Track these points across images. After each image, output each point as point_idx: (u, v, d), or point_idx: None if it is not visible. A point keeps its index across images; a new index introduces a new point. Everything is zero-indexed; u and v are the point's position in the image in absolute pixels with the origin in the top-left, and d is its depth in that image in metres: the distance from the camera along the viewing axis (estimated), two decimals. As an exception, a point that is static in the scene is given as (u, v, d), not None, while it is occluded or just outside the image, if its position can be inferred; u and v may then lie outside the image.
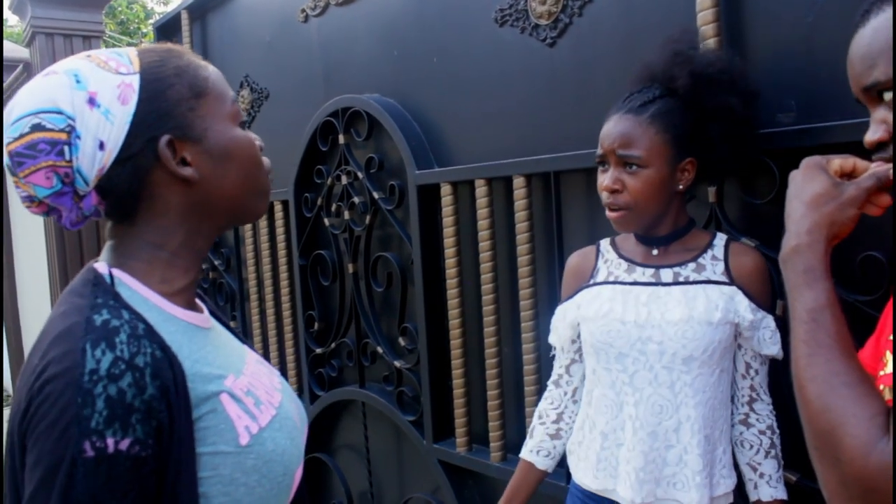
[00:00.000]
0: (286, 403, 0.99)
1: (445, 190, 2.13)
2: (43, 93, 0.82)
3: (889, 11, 0.84)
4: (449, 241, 2.15)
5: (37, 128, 0.81)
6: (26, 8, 4.02)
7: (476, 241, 2.07)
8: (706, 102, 1.35)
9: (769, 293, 1.39)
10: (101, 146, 0.83)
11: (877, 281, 1.30)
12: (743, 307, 1.35)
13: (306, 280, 2.79)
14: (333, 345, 2.70)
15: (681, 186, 1.38)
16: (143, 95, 0.86)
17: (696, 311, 1.34)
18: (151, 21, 13.28)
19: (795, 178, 0.93)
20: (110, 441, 0.74)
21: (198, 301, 1.00)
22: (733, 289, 1.36)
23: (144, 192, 0.88)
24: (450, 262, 2.15)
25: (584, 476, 1.48)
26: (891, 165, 0.86)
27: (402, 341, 2.38)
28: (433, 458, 2.28)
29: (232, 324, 3.21)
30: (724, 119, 1.35)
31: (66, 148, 0.81)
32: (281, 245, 2.88)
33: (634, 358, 1.39)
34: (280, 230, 2.87)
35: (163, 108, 0.87)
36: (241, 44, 3.11)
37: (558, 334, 1.55)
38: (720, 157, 1.39)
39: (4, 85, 5.27)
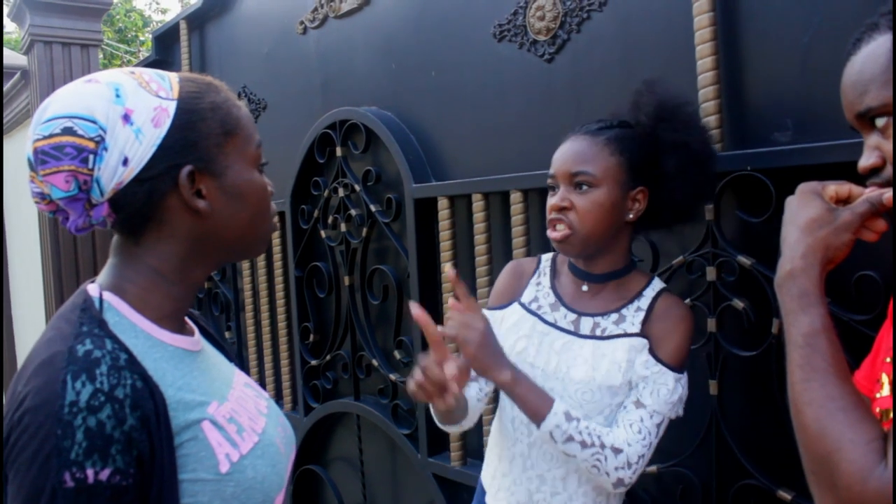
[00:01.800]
0: (270, 429, 0.99)
1: (442, 204, 2.14)
2: (82, 99, 0.84)
3: (879, 40, 0.85)
4: (445, 254, 2.15)
5: (68, 131, 0.82)
6: (25, 16, 4.02)
7: (473, 255, 2.07)
8: (664, 135, 1.34)
9: (681, 348, 1.34)
10: (125, 162, 0.84)
11: (872, 300, 1.30)
12: (640, 361, 1.32)
13: (302, 292, 2.78)
14: (328, 357, 2.69)
15: (630, 216, 1.36)
16: (176, 122, 0.88)
17: (598, 372, 1.33)
18: (149, 29, 13.31)
19: (791, 203, 0.94)
20: (90, 472, 0.75)
21: (189, 322, 1.02)
22: (641, 340, 1.34)
23: (155, 214, 0.89)
24: (446, 275, 2.15)
25: (485, 476, 1.52)
26: (884, 191, 0.86)
27: (397, 354, 2.38)
28: (427, 471, 2.27)
29: (227, 334, 3.21)
30: (680, 154, 1.33)
31: (91, 157, 0.83)
32: (277, 256, 2.87)
33: None
34: (276, 241, 2.86)
35: (191, 139, 0.88)
36: (240, 55, 3.11)
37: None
38: (673, 192, 1.36)
39: (4, 90, 5.27)
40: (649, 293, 1.39)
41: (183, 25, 3.34)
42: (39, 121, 0.84)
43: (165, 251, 0.91)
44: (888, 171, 0.87)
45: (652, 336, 1.35)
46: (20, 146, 4.92)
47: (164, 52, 3.60)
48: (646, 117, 1.37)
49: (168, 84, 0.90)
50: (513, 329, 1.44)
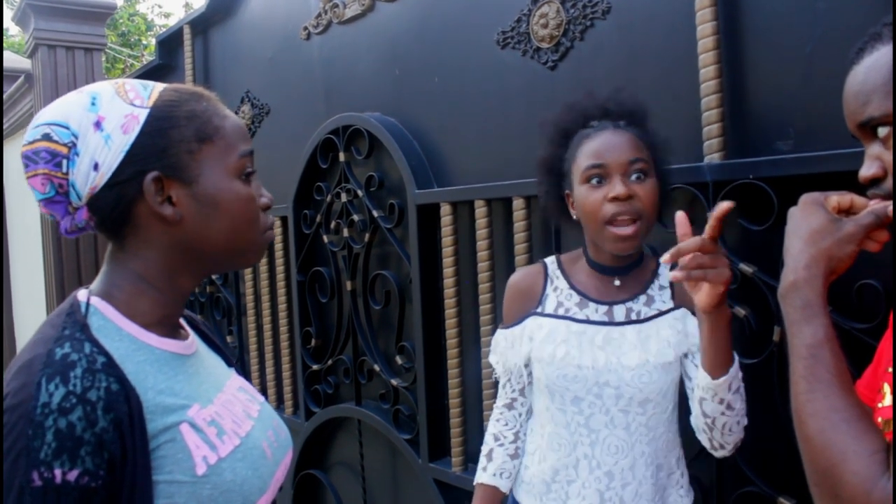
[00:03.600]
0: (257, 433, 1.00)
1: (445, 210, 2.14)
2: (62, 107, 0.88)
3: (882, 50, 0.86)
4: (448, 260, 2.15)
5: (45, 137, 0.87)
6: (29, 19, 4.04)
7: (475, 261, 2.07)
8: (650, 135, 1.40)
9: (721, 312, 1.37)
10: (96, 167, 0.87)
11: (874, 309, 1.31)
12: (691, 329, 1.37)
13: (304, 296, 2.79)
14: (330, 361, 2.69)
15: None
16: (146, 129, 0.89)
17: (650, 353, 1.35)
18: (152, 34, 13.33)
19: (794, 214, 0.94)
20: (58, 472, 0.76)
21: (185, 326, 1.04)
22: (682, 312, 1.39)
23: (128, 220, 0.91)
24: (448, 281, 2.15)
25: (526, 497, 1.49)
26: (889, 203, 0.87)
27: (399, 360, 2.38)
28: (428, 477, 2.27)
29: (229, 338, 3.21)
30: (663, 152, 1.40)
31: (63, 161, 0.87)
32: (279, 261, 2.88)
33: (591, 402, 1.38)
34: (279, 246, 2.87)
35: (160, 146, 0.90)
36: (243, 59, 3.12)
37: (506, 361, 1.51)
38: (664, 186, 1.40)
39: (5, 96, 5.28)
40: (664, 270, 1.44)
41: (187, 30, 3.35)
42: (30, 128, 0.89)
43: (147, 258, 0.93)
44: (890, 181, 0.87)
45: (686, 304, 1.38)
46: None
47: (167, 57, 3.61)
48: (637, 120, 1.40)
49: (147, 93, 0.92)
50: (548, 339, 1.42)
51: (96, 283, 0.94)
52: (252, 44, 3.06)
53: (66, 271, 4.04)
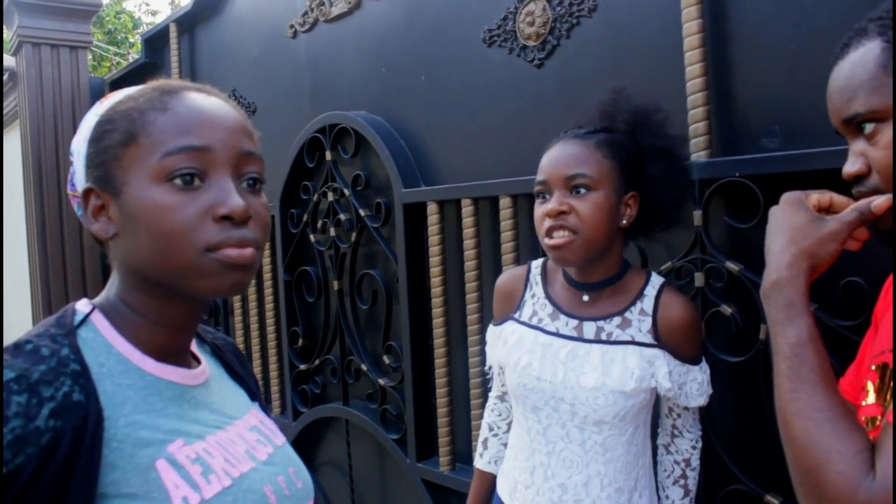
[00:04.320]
0: (257, 476, 0.87)
1: (432, 208, 2.14)
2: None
3: (868, 45, 0.85)
4: (434, 259, 2.15)
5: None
6: (13, 17, 4.00)
7: (462, 259, 2.07)
8: (644, 141, 1.35)
9: (698, 344, 1.38)
10: (74, 184, 0.87)
11: (858, 306, 1.31)
12: (662, 374, 1.33)
13: (291, 296, 2.78)
14: (317, 361, 2.68)
15: (624, 221, 1.34)
16: (91, 137, 0.83)
17: (610, 378, 1.32)
18: (139, 32, 13.25)
19: (775, 213, 0.94)
20: None
21: (197, 353, 0.95)
22: (655, 352, 1.34)
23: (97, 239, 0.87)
24: (435, 280, 2.15)
25: (501, 490, 1.51)
26: (872, 199, 0.87)
27: (386, 359, 2.38)
28: (416, 476, 2.26)
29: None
30: (664, 158, 1.35)
31: (73, 177, 0.87)
32: (266, 260, 2.86)
33: (548, 413, 1.38)
34: (266, 245, 2.85)
35: (95, 154, 0.82)
36: (229, 58, 3.11)
37: (496, 355, 1.51)
38: (661, 196, 1.37)
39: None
40: (650, 292, 1.37)
41: (173, 28, 3.33)
42: None
43: (119, 276, 0.86)
44: (874, 178, 0.87)
45: (668, 345, 1.34)
46: (8, 149, 4.89)
47: (153, 55, 3.59)
48: (623, 124, 1.36)
49: (110, 101, 0.85)
50: (516, 346, 1.43)
51: (100, 297, 0.87)
52: (238, 42, 3.05)
53: (51, 274, 4.00)
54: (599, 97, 1.42)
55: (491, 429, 1.63)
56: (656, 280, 1.40)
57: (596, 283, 1.39)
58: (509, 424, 1.59)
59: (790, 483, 0.80)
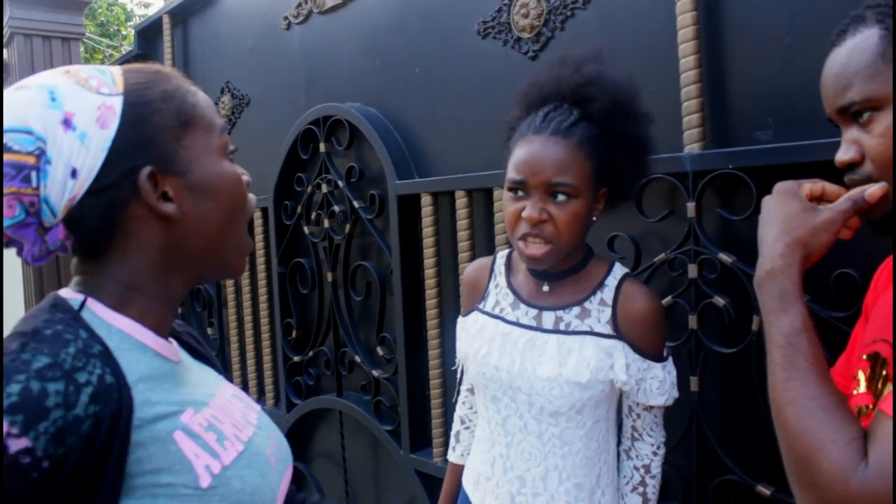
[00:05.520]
0: (259, 440, 0.89)
1: (426, 200, 2.14)
2: (11, 109, 0.73)
3: (866, 33, 0.85)
4: (428, 251, 2.15)
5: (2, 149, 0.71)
6: (5, 7, 3.98)
7: (456, 251, 2.07)
8: (618, 130, 1.29)
9: (660, 339, 1.35)
10: (74, 174, 0.74)
11: (850, 298, 1.32)
12: (619, 365, 1.30)
13: (285, 288, 2.77)
14: (311, 353, 2.68)
15: (594, 218, 1.33)
16: (125, 120, 0.77)
17: (565, 368, 1.29)
18: (132, 23, 13.18)
19: (768, 202, 0.94)
20: (3, 426, 0.63)
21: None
22: (614, 343, 1.31)
23: (118, 227, 0.79)
24: (429, 272, 2.15)
25: (467, 483, 1.50)
26: (866, 187, 0.87)
27: (380, 351, 2.38)
28: (410, 467, 2.27)
29: (209, 330, 3.19)
30: (633, 148, 1.31)
31: (33, 173, 0.72)
32: (260, 252, 2.86)
33: (506, 403, 1.37)
34: (259, 237, 2.85)
35: (145, 136, 0.78)
36: (223, 50, 3.09)
37: (461, 347, 1.50)
38: (627, 185, 1.35)
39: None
40: (611, 282, 1.35)
41: (166, 20, 3.31)
42: None
43: (135, 266, 0.81)
44: (868, 167, 0.87)
45: (627, 337, 1.32)
46: None
47: (146, 47, 3.57)
48: (598, 113, 1.28)
49: (111, 78, 0.80)
50: (478, 335, 1.42)
51: (81, 286, 0.82)
52: (232, 34, 3.03)
53: (44, 266, 3.99)
54: (573, 75, 1.32)
55: (462, 421, 1.64)
56: (619, 270, 1.38)
57: (557, 273, 1.37)
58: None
59: (782, 473, 0.81)
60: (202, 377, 0.92)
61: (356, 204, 2.39)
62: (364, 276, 2.45)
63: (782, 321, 0.84)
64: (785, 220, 0.89)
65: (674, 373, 1.36)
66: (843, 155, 0.89)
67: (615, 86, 1.29)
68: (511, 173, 1.30)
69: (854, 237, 0.96)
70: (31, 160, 0.72)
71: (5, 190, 0.71)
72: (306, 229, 2.63)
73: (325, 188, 2.53)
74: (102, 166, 0.76)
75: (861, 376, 0.79)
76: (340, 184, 2.46)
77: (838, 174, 0.94)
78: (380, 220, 2.37)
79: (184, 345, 0.99)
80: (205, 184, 0.82)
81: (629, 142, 1.30)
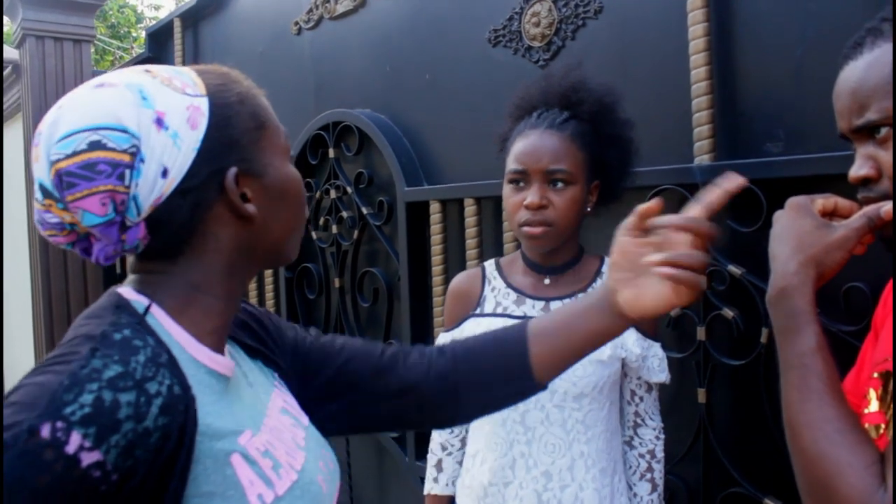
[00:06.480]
0: (310, 465, 0.86)
1: (434, 207, 2.14)
2: (103, 106, 0.72)
3: (883, 47, 0.82)
4: (436, 258, 2.14)
5: (96, 146, 0.70)
6: (17, 9, 4.00)
7: (464, 259, 2.07)
8: (605, 129, 1.39)
9: (655, 321, 1.43)
10: (165, 173, 0.73)
11: (861, 311, 1.31)
12: (631, 341, 1.37)
13: (292, 293, 2.77)
14: (317, 358, 2.68)
15: (589, 209, 1.41)
16: (212, 121, 0.77)
17: None
18: (142, 26, 13.24)
19: (781, 218, 0.91)
20: (75, 439, 0.61)
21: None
22: None
23: (199, 227, 0.78)
24: (437, 279, 2.15)
25: (466, 502, 1.47)
26: (881, 204, 0.84)
27: (386, 357, 2.37)
28: (415, 475, 2.26)
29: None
30: (619, 145, 1.40)
31: (127, 172, 0.71)
32: (267, 256, 2.86)
33: None
34: (267, 242, 2.85)
35: (231, 137, 0.79)
36: (234, 54, 3.10)
37: None
38: (616, 182, 1.43)
39: (-8, 86, 5.23)
40: (606, 271, 1.37)
41: (177, 23, 3.33)
42: (52, 138, 0.71)
43: (209, 265, 0.80)
44: (885, 183, 0.84)
45: None
46: (10, 142, 4.88)
47: (157, 50, 3.59)
48: (587, 114, 1.39)
49: (190, 79, 0.79)
50: None
51: (142, 287, 0.79)
52: (242, 38, 3.04)
53: (52, 266, 4.00)
54: (560, 82, 1.43)
55: (444, 448, 1.58)
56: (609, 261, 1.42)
57: (559, 266, 1.45)
58: (462, 441, 1.55)
59: (790, 486, 0.80)
60: (254, 391, 0.88)
61: (364, 210, 2.40)
62: (371, 283, 2.45)
63: (796, 341, 0.81)
64: (798, 236, 0.87)
65: (664, 354, 1.43)
66: (858, 171, 0.86)
67: (600, 90, 1.41)
68: (512, 164, 1.40)
69: (865, 251, 0.95)
70: (126, 158, 0.71)
71: (101, 188, 0.71)
72: (314, 234, 2.63)
73: (333, 194, 2.53)
74: (191, 166, 0.75)
75: (872, 395, 0.78)
76: (349, 190, 2.46)
77: (848, 187, 0.92)
78: (388, 227, 2.37)
79: (240, 343, 0.95)
80: (277, 185, 0.84)
81: (615, 140, 1.40)
